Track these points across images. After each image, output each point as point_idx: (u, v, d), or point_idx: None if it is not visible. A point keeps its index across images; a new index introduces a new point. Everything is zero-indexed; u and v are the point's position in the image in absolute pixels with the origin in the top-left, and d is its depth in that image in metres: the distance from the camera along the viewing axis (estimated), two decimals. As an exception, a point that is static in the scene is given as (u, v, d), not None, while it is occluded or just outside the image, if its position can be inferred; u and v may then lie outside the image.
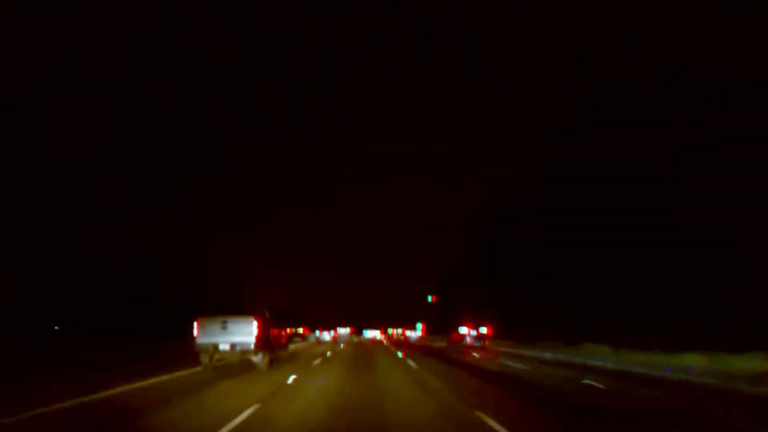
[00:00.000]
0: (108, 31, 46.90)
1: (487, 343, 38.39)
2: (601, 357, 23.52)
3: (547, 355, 26.75)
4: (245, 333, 16.81)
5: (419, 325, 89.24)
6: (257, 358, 17.31)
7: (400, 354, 28.03)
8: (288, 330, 61.79)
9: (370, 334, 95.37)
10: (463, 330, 39.62)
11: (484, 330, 39.24)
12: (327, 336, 68.14)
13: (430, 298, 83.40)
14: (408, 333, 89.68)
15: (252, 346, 16.81)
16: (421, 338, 77.38)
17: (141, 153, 45.01)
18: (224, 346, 16.89)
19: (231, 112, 78.75)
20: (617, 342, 25.30)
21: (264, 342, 17.54)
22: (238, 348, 16.84)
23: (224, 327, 16.92)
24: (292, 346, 34.54)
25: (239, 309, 18.17)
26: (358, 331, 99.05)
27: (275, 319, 19.88)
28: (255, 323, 16.86)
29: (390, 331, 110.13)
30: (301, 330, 65.56)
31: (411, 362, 21.51)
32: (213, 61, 71.85)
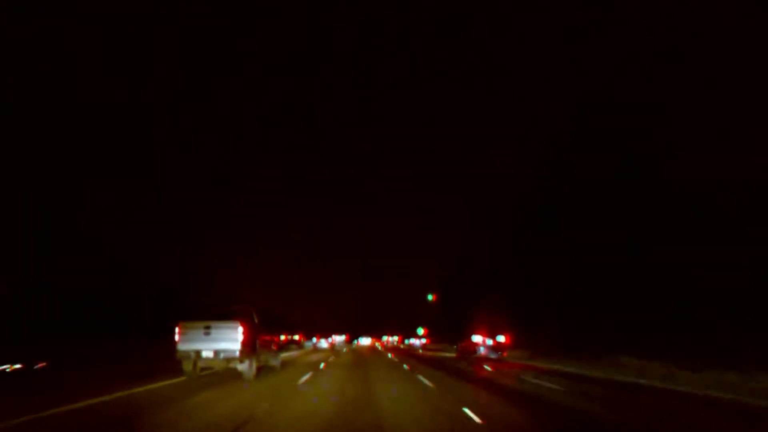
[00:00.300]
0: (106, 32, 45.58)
1: (504, 354, 32.12)
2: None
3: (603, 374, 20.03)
4: (230, 339, 15.03)
5: (421, 330, 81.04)
6: (243, 367, 15.51)
7: (405, 366, 23.41)
8: (283, 337, 59.98)
9: (364, 341, 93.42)
10: (477, 338, 32.45)
11: (502, 339, 32.24)
12: (324, 343, 65.75)
13: (430, 297, 69.93)
14: (412, 341, 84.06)
15: (237, 354, 15.02)
16: (423, 346, 70.68)
17: (128, 151, 43.38)
18: (207, 354, 15.11)
19: (231, 112, 76.87)
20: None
21: (251, 349, 15.77)
22: (222, 355, 15.05)
23: (207, 332, 15.14)
24: (285, 354, 32.69)
25: (224, 313, 16.42)
26: (352, 338, 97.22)
27: (265, 324, 18.08)
28: (240, 329, 15.08)
29: (384, 338, 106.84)
30: (297, 337, 63.53)
31: (423, 379, 16.55)
32: (209, 61, 70.45)
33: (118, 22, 46.37)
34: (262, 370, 18.23)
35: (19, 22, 35.95)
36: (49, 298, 34.71)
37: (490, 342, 32.25)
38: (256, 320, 17.09)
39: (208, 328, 15.14)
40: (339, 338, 76.53)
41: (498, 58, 66.82)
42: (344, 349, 60.41)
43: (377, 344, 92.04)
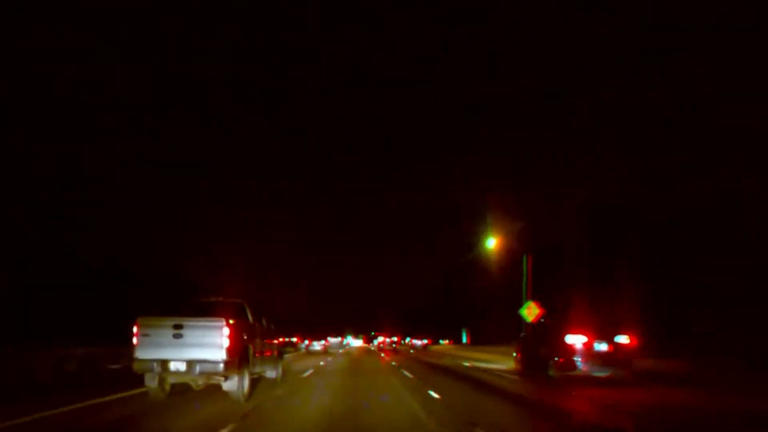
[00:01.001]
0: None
1: (627, 374, 15.71)
2: None
3: None
4: (209, 345, 9.67)
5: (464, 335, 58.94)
6: (230, 385, 10.12)
7: (434, 394, 11.96)
8: (281, 338, 53.99)
9: (355, 343, 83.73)
10: (575, 340, 15.86)
11: (624, 340, 15.99)
12: (317, 346, 56.81)
13: (490, 243, 32.09)
14: (415, 341, 74.06)
15: (221, 367, 9.64)
16: (424, 347, 59.45)
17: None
18: (178, 365, 9.74)
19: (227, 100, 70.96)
20: None
21: (243, 358, 10.45)
22: (198, 368, 9.67)
23: (178, 335, 9.79)
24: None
25: (203, 306, 11.19)
26: (346, 338, 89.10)
27: (262, 322, 12.75)
28: (226, 330, 9.73)
29: (379, 339, 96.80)
30: (294, 339, 56.95)
31: None
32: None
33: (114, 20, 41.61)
34: (256, 383, 12.95)
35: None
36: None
37: (600, 347, 15.49)
38: (250, 318, 11.83)
39: (178, 327, 9.79)
40: (335, 340, 68.98)
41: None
42: (340, 350, 54.17)
43: (370, 346, 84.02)
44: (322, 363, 24.14)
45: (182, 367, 9.70)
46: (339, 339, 74.20)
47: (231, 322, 9.84)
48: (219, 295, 12.37)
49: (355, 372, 19.70)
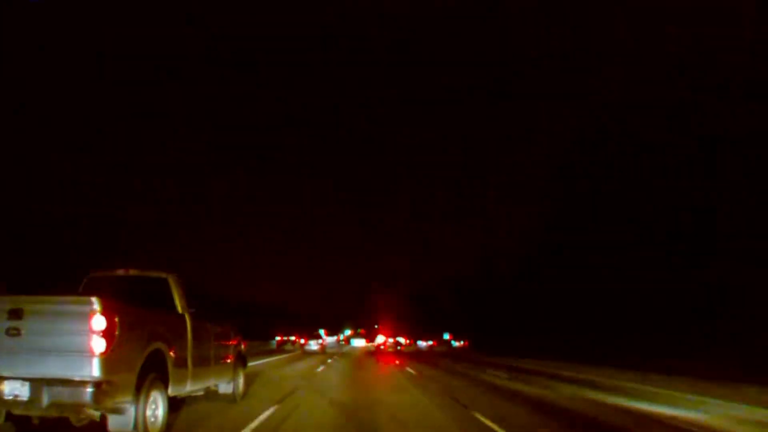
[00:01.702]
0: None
1: None
2: None
3: None
4: (68, 349, 4.88)
5: None
6: (120, 423, 5.34)
7: None
8: (278, 338, 49.06)
9: (357, 343, 69.82)
10: None
11: None
12: (314, 345, 49.85)
13: None
14: (420, 342, 64.96)
15: (89, 393, 4.78)
16: (430, 349, 52.05)
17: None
18: (15, 388, 4.99)
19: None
20: None
21: (148, 371, 5.68)
22: (47, 396, 4.90)
23: (13, 329, 5.06)
24: (249, 365, 22.08)
25: (101, 282, 6.63)
26: (348, 336, 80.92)
27: (201, 309, 7.74)
28: (99, 320, 4.85)
29: (380, 339, 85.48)
30: (293, 338, 51.64)
31: None
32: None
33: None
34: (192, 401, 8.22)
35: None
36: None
37: None
38: (178, 303, 7.04)
39: (15, 316, 5.06)
40: (331, 339, 61.96)
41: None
42: (344, 349, 48.62)
43: (371, 346, 75.22)
44: (302, 384, 13.13)
45: (24, 391, 4.98)
46: (335, 338, 66.58)
47: (111, 307, 5.06)
48: (137, 266, 7.54)
49: (363, 391, 12.24)
